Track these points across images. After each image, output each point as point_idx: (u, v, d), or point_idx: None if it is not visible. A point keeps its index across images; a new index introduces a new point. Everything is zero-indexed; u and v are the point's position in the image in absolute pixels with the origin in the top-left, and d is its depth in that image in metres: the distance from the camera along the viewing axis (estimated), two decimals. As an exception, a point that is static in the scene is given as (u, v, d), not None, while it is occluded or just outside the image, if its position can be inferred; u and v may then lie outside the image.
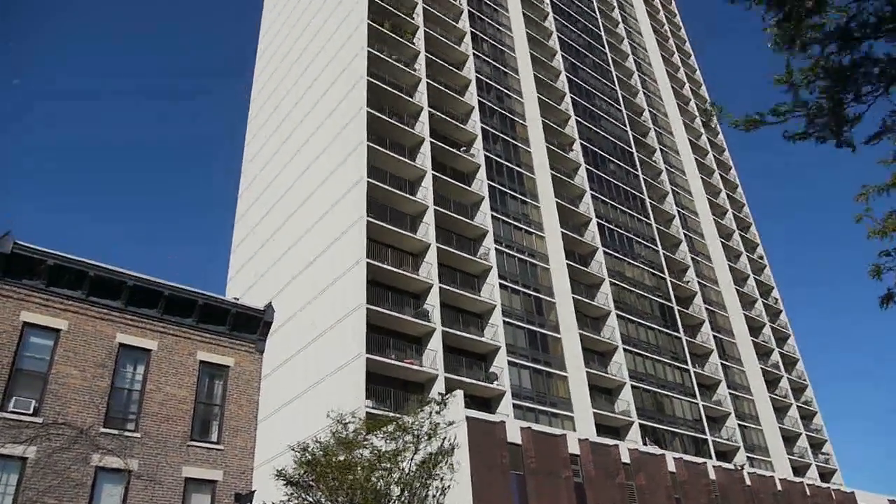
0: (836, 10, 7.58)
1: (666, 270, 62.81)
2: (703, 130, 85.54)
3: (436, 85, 54.15)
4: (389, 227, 44.67)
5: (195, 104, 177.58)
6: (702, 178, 78.65)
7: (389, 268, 42.99)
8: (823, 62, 7.56)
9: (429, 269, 45.04)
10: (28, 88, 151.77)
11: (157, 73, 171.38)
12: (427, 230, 46.52)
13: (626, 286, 57.30)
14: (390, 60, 52.12)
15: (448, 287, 45.01)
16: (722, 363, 62.82)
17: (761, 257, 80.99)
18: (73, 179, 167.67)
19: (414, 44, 55.01)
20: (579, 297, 51.91)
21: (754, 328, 70.99)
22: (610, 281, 55.36)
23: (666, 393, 53.74)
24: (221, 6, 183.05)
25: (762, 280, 77.78)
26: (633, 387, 50.95)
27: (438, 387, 39.62)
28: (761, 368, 66.79)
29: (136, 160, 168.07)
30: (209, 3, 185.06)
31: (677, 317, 60.21)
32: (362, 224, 43.51)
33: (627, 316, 55.26)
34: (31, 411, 18.36)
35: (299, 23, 68.01)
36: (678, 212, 70.97)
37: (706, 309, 65.22)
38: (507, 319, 46.83)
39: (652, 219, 65.69)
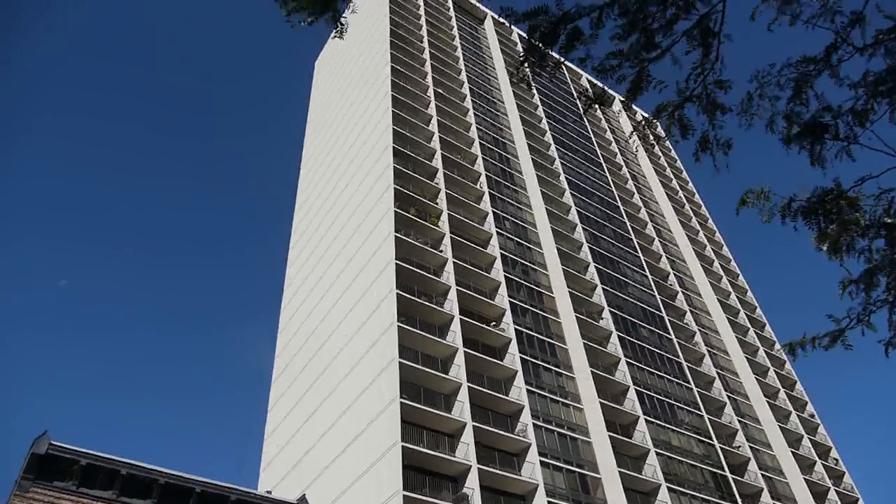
0: (872, 202, 8.30)
1: (713, 436, 60.07)
2: (731, 290, 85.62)
3: (462, 264, 55.85)
4: (423, 407, 44.06)
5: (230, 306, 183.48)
6: (737, 337, 77.49)
7: (425, 450, 41.84)
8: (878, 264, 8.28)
9: (465, 450, 43.71)
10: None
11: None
12: (462, 408, 45.75)
13: (674, 456, 54.65)
14: (417, 244, 54.32)
15: (487, 468, 43.36)
16: (789, 536, 57.97)
17: (812, 415, 77.35)
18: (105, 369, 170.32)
19: (439, 226, 57.56)
20: (626, 471, 49.44)
21: (818, 493, 66.17)
22: (656, 451, 52.95)
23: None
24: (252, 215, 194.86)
25: (818, 440, 73.67)
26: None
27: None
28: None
29: (171, 353, 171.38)
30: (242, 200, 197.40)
31: (733, 486, 56.61)
32: (395, 406, 43.02)
33: (679, 488, 52.14)
34: None
35: (332, 211, 71.91)
36: (717, 373, 69.22)
37: (763, 476, 61.37)
38: (550, 500, 44.45)
39: (692, 382, 64.02)
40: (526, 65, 7.87)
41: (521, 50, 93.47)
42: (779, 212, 9.47)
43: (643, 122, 9.07)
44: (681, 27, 7.62)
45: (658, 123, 9.07)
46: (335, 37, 8.70)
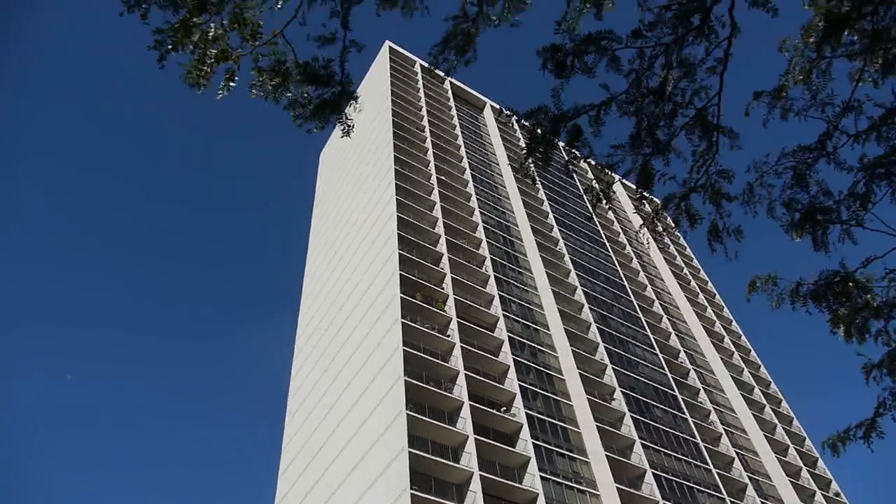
0: (881, 282, 8.44)
1: (737, 521, 57.86)
2: (743, 365, 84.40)
3: (470, 348, 55.41)
4: (435, 498, 42.76)
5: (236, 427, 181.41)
6: (753, 414, 75.76)
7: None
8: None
9: (480, 543, 42.12)
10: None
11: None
12: (474, 498, 44.37)
13: (696, 543, 52.47)
14: (424, 329, 54.10)
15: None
16: None
17: (837, 494, 74.63)
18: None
19: (446, 311, 57.46)
20: (647, 561, 47.40)
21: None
22: (678, 539, 50.94)
23: None
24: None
25: (846, 522, 70.83)
26: None
27: None
28: None
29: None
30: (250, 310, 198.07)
31: (761, 575, 54.06)
32: (406, 499, 41.76)
33: (705, 579, 49.80)
34: None
35: (338, 299, 71.97)
36: (737, 453, 67.29)
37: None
38: None
39: (710, 463, 62.15)
40: (530, 161, 8.10)
41: (520, 136, 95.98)
42: (787, 297, 9.54)
43: (652, 216, 9.25)
44: (680, 121, 7.89)
45: (666, 214, 9.24)
46: (343, 136, 9.01)
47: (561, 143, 8.67)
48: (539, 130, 7.86)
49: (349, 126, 8.44)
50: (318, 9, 7.17)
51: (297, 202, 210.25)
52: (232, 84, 7.02)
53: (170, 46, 6.59)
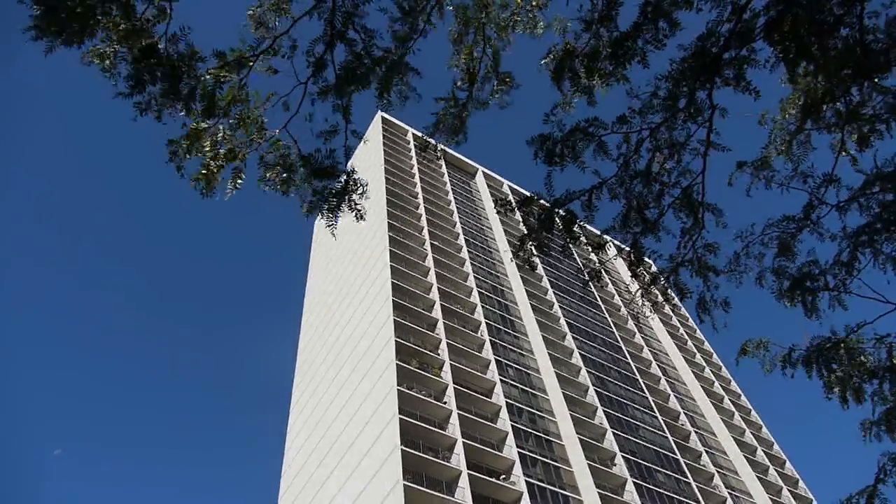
0: (871, 347, 8.75)
1: (746, 590, 56.12)
2: (745, 426, 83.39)
3: (467, 415, 54.72)
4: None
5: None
6: (757, 476, 74.43)
7: None
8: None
9: None
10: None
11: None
12: (476, 573, 43.08)
13: None
14: (421, 396, 53.54)
15: None
16: None
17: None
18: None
19: (442, 377, 56.99)
20: None
21: None
22: None
23: None
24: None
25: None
26: None
27: None
28: None
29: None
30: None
31: None
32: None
33: None
34: None
35: (333, 366, 71.30)
36: (742, 518, 65.84)
37: None
38: None
39: (716, 530, 60.72)
40: (528, 248, 8.37)
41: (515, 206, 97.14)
42: (779, 362, 9.71)
43: (644, 287, 9.49)
44: (667, 201, 8.21)
45: (658, 283, 9.47)
46: (357, 221, 9.18)
47: (556, 223, 8.95)
48: (533, 220, 8.18)
49: (360, 211, 8.64)
50: (317, 103, 7.52)
51: (293, 265, 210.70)
52: (240, 181, 7.31)
53: (184, 154, 6.90)
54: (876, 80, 8.84)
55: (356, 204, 8.27)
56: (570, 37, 8.48)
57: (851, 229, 9.30)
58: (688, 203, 8.29)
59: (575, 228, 8.47)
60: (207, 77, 6.88)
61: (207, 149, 6.94)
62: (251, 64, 7.10)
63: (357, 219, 8.42)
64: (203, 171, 7.05)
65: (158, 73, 6.60)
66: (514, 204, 8.49)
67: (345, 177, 7.95)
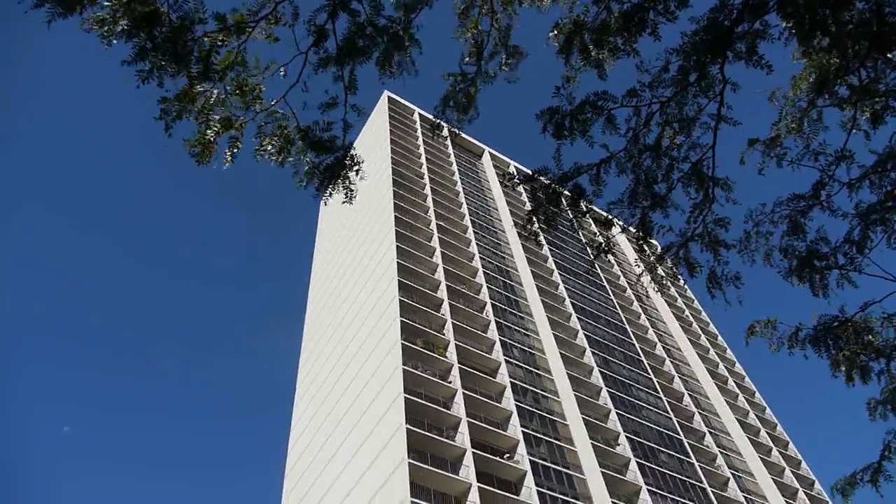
0: (880, 325, 8.66)
1: (748, 569, 56.54)
2: (749, 408, 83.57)
3: (472, 394, 54.95)
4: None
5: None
6: (760, 457, 74.70)
7: None
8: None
9: None
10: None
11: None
12: (479, 550, 43.50)
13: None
14: (426, 376, 53.75)
15: None
16: None
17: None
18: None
19: (447, 357, 57.17)
20: None
21: None
22: (688, 589, 49.68)
23: None
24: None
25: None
26: None
27: None
28: None
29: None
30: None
31: None
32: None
33: None
34: None
35: (338, 347, 71.60)
36: (745, 498, 66.13)
37: None
38: None
39: (718, 510, 61.04)
40: (535, 221, 8.26)
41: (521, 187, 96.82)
42: (786, 341, 9.63)
43: (652, 264, 9.39)
44: (676, 175, 8.09)
45: (665, 261, 9.37)
46: (345, 202, 9.10)
47: (563, 199, 8.84)
48: (541, 195, 8.06)
49: (352, 192, 8.54)
50: (320, 72, 7.38)
51: (301, 241, 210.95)
52: (236, 150, 7.20)
53: (175, 115, 6.78)
54: (890, 55, 8.65)
55: (350, 182, 8.16)
56: (578, 10, 8.32)
57: (863, 206, 9.17)
58: (698, 177, 8.17)
59: (582, 204, 8.34)
60: (205, 40, 6.75)
61: (202, 108, 6.81)
62: (250, 30, 6.96)
63: (347, 198, 8.30)
64: (199, 138, 6.95)
65: (159, 37, 6.46)
66: (520, 178, 8.35)
67: (342, 151, 7.82)
